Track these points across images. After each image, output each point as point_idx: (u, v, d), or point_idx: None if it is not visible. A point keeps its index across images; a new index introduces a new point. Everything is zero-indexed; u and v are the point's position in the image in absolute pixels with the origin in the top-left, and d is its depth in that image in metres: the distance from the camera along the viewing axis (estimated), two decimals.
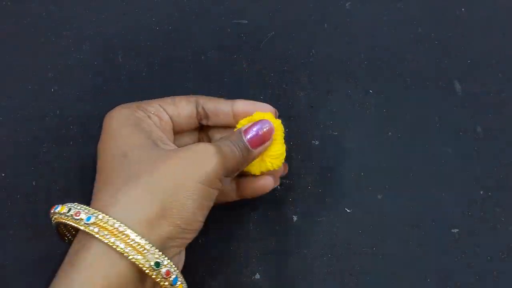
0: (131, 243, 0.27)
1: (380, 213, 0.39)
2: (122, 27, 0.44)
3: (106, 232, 0.27)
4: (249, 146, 0.33)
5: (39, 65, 0.42)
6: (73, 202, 0.29)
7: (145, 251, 0.27)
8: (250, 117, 0.34)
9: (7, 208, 0.38)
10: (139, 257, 0.27)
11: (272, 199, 0.39)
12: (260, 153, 0.34)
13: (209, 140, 0.37)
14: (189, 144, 0.35)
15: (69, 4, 0.45)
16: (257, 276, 0.38)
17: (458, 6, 0.46)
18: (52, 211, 0.30)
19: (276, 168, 0.35)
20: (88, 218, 0.27)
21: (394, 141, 0.41)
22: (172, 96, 0.36)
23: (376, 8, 0.46)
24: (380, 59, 0.44)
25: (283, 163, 0.35)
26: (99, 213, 0.27)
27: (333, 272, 0.38)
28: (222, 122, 0.36)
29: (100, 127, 0.41)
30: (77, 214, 0.28)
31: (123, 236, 0.27)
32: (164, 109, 0.34)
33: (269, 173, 0.35)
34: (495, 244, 0.39)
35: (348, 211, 0.39)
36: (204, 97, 0.36)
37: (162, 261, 0.28)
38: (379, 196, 0.39)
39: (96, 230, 0.27)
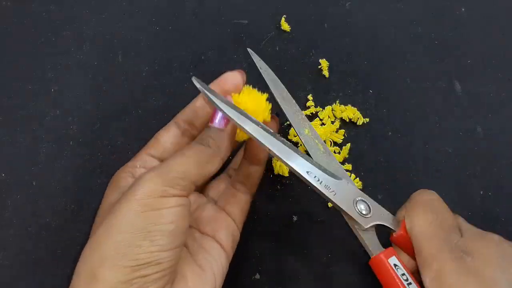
0: None
1: None
2: (122, 27, 0.44)
3: None
4: (221, 127, 0.31)
5: (39, 65, 0.42)
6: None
7: None
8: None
9: (7, 208, 0.38)
10: None
11: (272, 199, 0.39)
12: (235, 128, 0.32)
13: None
14: None
15: (69, 4, 0.45)
16: (257, 276, 0.38)
17: (458, 6, 0.46)
18: None
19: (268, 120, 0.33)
20: None
21: (394, 141, 0.41)
22: (155, 134, 0.34)
23: (376, 8, 0.46)
24: (380, 59, 0.44)
25: (272, 116, 0.34)
26: None
27: (333, 272, 0.38)
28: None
29: (99, 127, 0.41)
30: None
31: None
32: (150, 154, 0.33)
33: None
34: None
35: None
36: (180, 112, 0.34)
37: None
38: (379, 196, 0.39)
39: None
